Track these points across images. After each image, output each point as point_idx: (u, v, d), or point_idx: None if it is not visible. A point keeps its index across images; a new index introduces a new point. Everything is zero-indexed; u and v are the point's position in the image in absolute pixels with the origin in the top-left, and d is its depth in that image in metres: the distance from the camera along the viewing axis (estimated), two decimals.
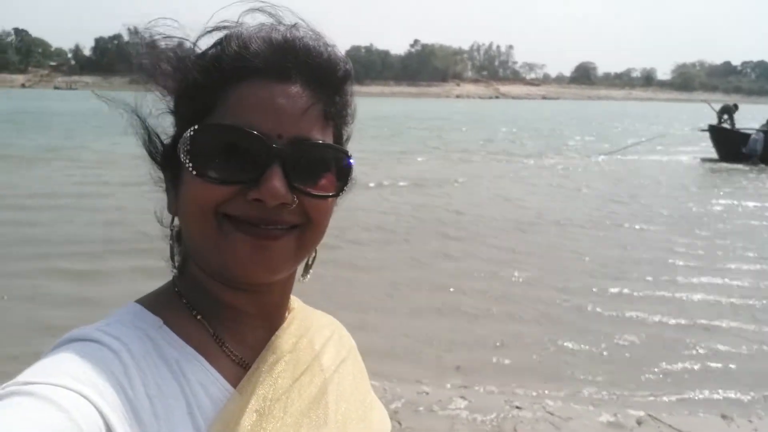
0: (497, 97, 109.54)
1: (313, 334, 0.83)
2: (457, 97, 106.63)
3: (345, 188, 0.73)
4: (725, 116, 20.82)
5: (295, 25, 0.71)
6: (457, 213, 10.42)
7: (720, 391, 4.62)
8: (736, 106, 21.27)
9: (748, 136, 19.54)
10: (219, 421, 0.65)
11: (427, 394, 4.19)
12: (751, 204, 12.30)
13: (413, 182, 13.63)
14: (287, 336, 0.78)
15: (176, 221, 0.76)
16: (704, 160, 20.27)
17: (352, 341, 0.92)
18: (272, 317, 0.78)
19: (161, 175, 0.76)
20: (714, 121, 20.87)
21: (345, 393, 0.80)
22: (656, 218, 10.48)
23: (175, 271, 0.78)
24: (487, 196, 12.24)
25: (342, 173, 0.72)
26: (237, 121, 0.65)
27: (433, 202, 11.40)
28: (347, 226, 8.60)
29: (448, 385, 4.42)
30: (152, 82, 0.73)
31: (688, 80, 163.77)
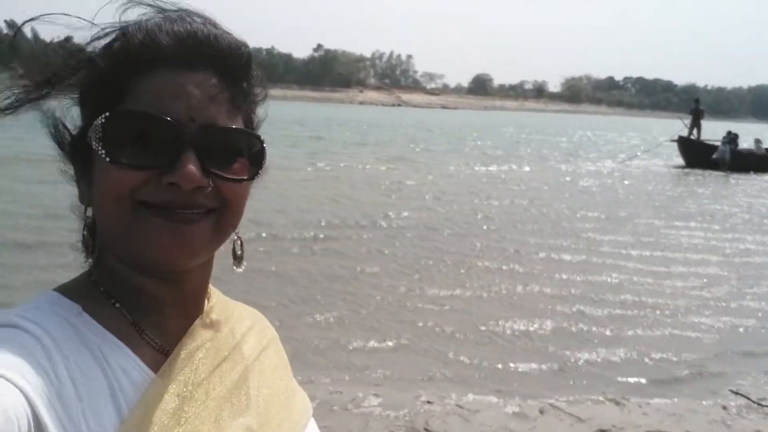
0: (399, 105, 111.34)
1: (234, 324, 0.83)
2: (361, 103, 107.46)
3: (259, 172, 0.74)
4: (694, 130, 24.33)
5: (194, 15, 0.72)
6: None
7: (614, 378, 4.98)
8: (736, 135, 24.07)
9: (714, 147, 22.94)
10: (141, 405, 0.65)
11: (341, 393, 4.22)
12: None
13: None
14: (207, 324, 0.78)
15: (89, 212, 0.75)
16: (674, 166, 23.32)
17: (274, 332, 0.93)
18: (191, 306, 0.78)
19: (70, 166, 0.75)
20: (681, 133, 24.18)
21: (266, 380, 0.82)
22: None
23: (89, 261, 0.76)
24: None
25: (255, 157, 0.73)
26: (148, 108, 0.66)
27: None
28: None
29: (361, 384, 4.46)
30: (54, 81, 0.71)
31: (576, 93, 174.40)
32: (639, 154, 26.34)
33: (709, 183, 19.42)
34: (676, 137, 24.06)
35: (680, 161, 23.96)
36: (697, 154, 23.15)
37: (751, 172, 21.86)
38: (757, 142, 24.37)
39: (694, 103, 25.94)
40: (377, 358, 5.05)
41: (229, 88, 0.71)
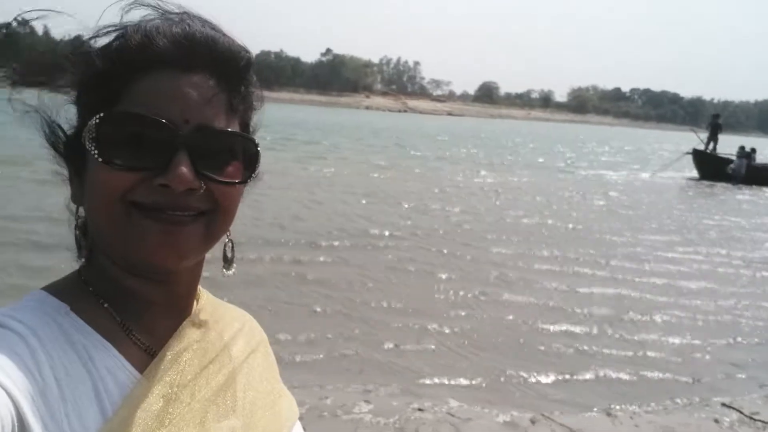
0: (405, 111, 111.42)
1: (223, 326, 0.83)
2: (367, 108, 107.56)
3: (252, 176, 0.74)
4: (710, 144, 25.01)
5: (194, 18, 0.72)
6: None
7: (605, 390, 4.97)
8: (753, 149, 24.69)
9: (729, 160, 23.73)
10: (125, 406, 0.66)
11: (330, 399, 4.20)
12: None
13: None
14: (195, 326, 0.79)
15: (81, 211, 0.76)
16: (689, 179, 23.90)
17: (263, 334, 0.93)
18: (180, 307, 0.78)
19: (64, 166, 0.75)
20: (697, 146, 24.72)
21: (253, 382, 0.82)
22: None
23: (81, 260, 0.77)
24: None
25: (249, 161, 0.73)
26: (142, 109, 0.66)
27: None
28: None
29: (351, 390, 4.46)
30: (51, 77, 0.72)
31: (582, 103, 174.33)
32: (668, 164, 26.69)
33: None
34: (690, 150, 24.80)
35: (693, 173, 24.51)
36: (711, 167, 23.82)
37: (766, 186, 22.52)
38: None
39: (713, 117, 26.60)
40: (368, 364, 5.03)
41: (226, 91, 0.71)
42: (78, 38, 0.73)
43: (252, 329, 0.90)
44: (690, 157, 24.79)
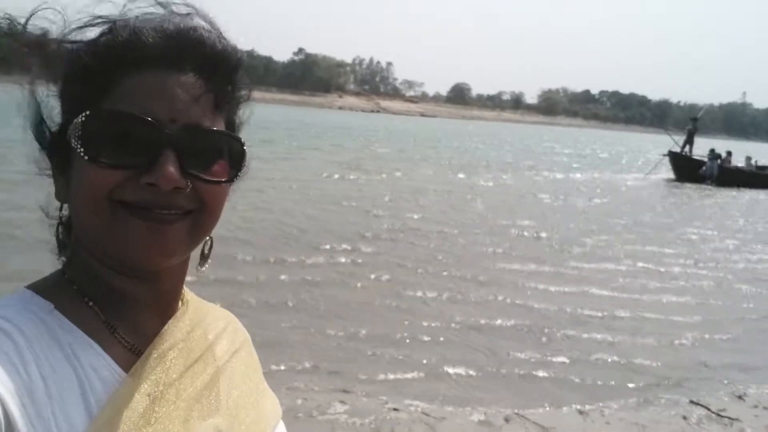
0: (378, 111, 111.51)
1: (207, 325, 0.83)
2: (340, 108, 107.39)
3: (239, 174, 0.74)
4: (687, 146, 26.13)
5: (188, 15, 0.72)
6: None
7: (576, 388, 5.04)
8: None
9: (702, 162, 24.84)
10: (110, 405, 0.65)
11: (306, 399, 4.20)
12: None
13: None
14: (180, 325, 0.78)
15: (65, 209, 0.75)
16: (667, 180, 24.98)
17: (247, 334, 0.93)
18: (165, 306, 0.78)
19: (48, 161, 0.74)
20: (672, 148, 25.80)
21: (237, 381, 0.82)
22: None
23: (63, 258, 0.76)
24: None
25: (235, 160, 0.73)
26: (129, 107, 0.65)
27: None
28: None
29: (326, 391, 4.45)
30: (36, 72, 0.71)
31: (552, 105, 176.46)
32: (653, 167, 27.41)
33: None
34: (666, 152, 25.80)
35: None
36: (686, 169, 24.81)
37: (738, 187, 23.38)
38: (748, 159, 26.43)
39: (691, 121, 27.74)
40: (343, 364, 5.03)
41: (213, 90, 0.70)
42: (64, 33, 0.71)
43: (236, 329, 0.90)
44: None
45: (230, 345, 0.85)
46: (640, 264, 9.37)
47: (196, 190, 0.69)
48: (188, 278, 0.82)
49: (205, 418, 0.73)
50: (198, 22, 0.72)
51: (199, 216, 0.71)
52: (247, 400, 0.82)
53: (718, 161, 24.84)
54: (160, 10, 0.72)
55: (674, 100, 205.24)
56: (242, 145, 0.74)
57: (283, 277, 7.09)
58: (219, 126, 0.72)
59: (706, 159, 25.02)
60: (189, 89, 0.68)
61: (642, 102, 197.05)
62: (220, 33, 0.73)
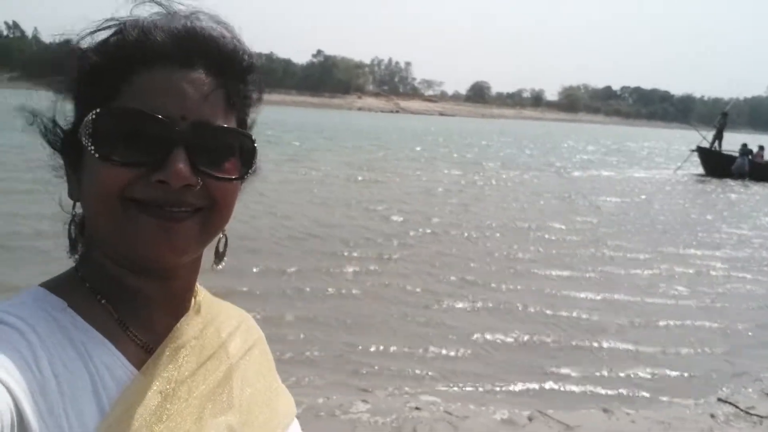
0: (397, 112, 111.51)
1: (220, 323, 0.83)
2: (359, 109, 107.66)
3: (249, 172, 0.74)
4: (716, 142, 25.90)
5: (196, 15, 0.72)
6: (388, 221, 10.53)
7: (601, 387, 4.98)
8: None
9: (733, 158, 24.66)
10: (122, 402, 0.66)
11: (328, 398, 4.20)
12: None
13: None
14: (193, 322, 0.79)
15: (77, 207, 0.75)
16: (696, 175, 24.82)
17: (261, 332, 0.93)
18: (178, 304, 0.78)
19: (60, 161, 0.74)
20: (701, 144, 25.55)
21: (250, 379, 0.82)
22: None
23: (76, 256, 0.76)
24: None
25: (246, 157, 0.73)
26: (140, 105, 0.66)
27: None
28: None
29: (349, 390, 4.45)
30: (48, 74, 0.72)
31: (573, 102, 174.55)
32: (680, 163, 27.14)
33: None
34: (695, 147, 25.64)
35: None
36: (717, 165, 24.62)
37: None
38: None
39: (721, 116, 27.31)
40: (366, 363, 5.03)
41: (224, 87, 0.71)
42: (74, 35, 0.72)
43: (249, 327, 0.90)
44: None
45: (243, 343, 0.86)
46: (668, 265, 9.17)
47: (207, 187, 0.69)
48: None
49: (218, 416, 0.73)
50: (207, 22, 0.72)
51: (210, 214, 0.71)
52: (260, 398, 0.82)
53: (749, 156, 24.60)
54: (170, 12, 0.72)
55: (697, 94, 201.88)
56: (253, 142, 0.74)
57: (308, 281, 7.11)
58: (230, 123, 0.72)
59: (736, 154, 24.80)
60: (199, 87, 0.68)
61: (664, 97, 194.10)
62: (233, 33, 0.73)
